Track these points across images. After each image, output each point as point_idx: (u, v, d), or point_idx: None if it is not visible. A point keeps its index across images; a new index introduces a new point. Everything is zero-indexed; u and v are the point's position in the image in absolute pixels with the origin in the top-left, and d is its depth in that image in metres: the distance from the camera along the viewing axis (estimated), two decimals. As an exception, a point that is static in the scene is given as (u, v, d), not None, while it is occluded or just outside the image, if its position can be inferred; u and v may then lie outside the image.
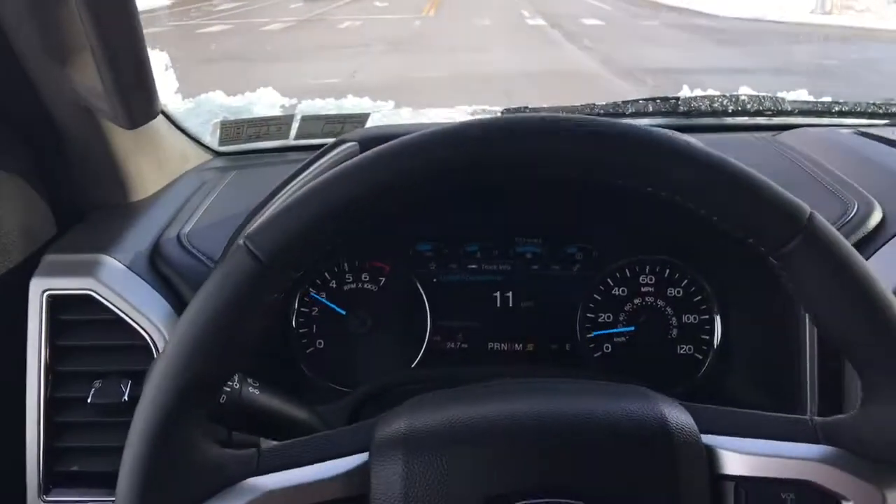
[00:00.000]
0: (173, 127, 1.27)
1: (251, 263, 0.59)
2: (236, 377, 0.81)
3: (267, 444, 0.66)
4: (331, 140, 1.12)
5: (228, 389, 0.79)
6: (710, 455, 0.59)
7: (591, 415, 0.60)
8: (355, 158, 0.61)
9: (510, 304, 1.14)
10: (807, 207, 0.60)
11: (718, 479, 0.59)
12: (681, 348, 1.11)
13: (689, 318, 1.11)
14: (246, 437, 0.92)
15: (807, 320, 0.93)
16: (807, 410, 0.91)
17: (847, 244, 0.60)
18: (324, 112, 1.41)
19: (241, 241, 0.60)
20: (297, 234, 0.59)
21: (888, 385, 0.58)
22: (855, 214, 0.96)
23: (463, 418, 0.61)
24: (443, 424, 0.60)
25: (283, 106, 1.73)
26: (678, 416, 0.60)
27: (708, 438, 0.60)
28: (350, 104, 1.72)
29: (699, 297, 1.11)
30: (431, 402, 0.64)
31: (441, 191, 0.61)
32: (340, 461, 0.60)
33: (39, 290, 0.93)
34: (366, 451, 0.60)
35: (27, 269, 0.95)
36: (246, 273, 0.59)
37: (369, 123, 1.39)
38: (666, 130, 0.63)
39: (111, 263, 0.96)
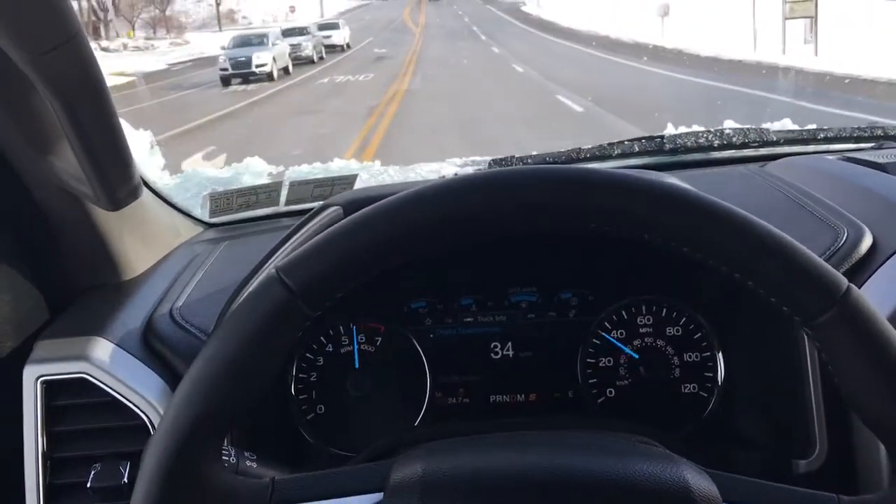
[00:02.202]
0: (162, 202, 1.27)
1: (281, 291, 0.59)
2: (232, 451, 0.80)
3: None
4: (320, 203, 1.12)
5: (225, 465, 0.78)
6: None
7: (611, 474, 0.59)
8: (387, 200, 0.62)
9: (509, 355, 1.13)
10: (844, 280, 0.59)
11: None
12: (685, 387, 1.09)
13: (690, 357, 1.09)
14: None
15: (809, 354, 0.92)
16: (815, 448, 0.90)
17: (884, 321, 0.59)
18: (312, 176, 1.42)
19: (272, 272, 0.60)
20: (328, 266, 0.60)
21: None
22: (845, 242, 0.95)
23: (481, 468, 0.60)
24: (460, 472, 0.60)
25: (270, 174, 1.75)
26: (701, 482, 0.59)
27: None
28: (337, 166, 1.73)
29: (699, 335, 1.09)
30: (450, 448, 0.64)
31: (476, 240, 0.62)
32: (354, 499, 0.60)
33: (34, 376, 0.93)
34: (380, 490, 0.60)
35: (20, 356, 0.95)
36: (275, 300, 0.59)
37: (357, 184, 1.40)
38: (702, 194, 0.62)
39: (103, 345, 0.95)
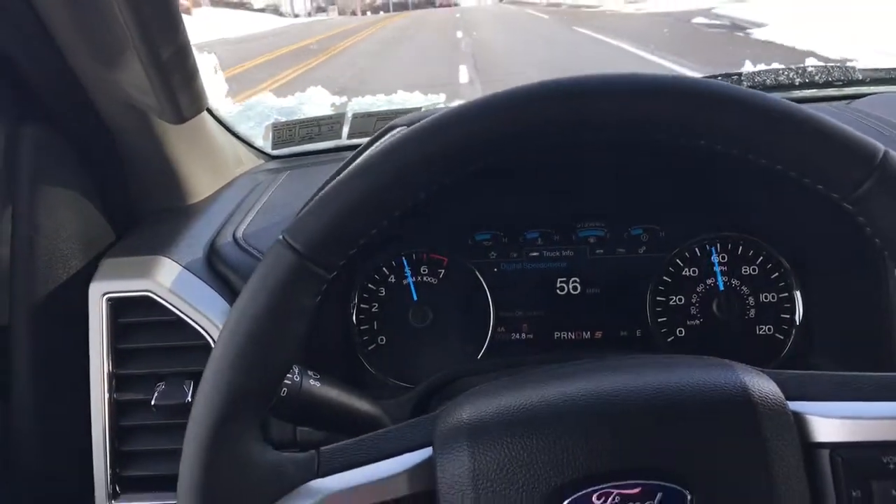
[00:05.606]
0: (226, 131, 1.26)
1: (290, 256, 0.57)
2: (296, 369, 0.79)
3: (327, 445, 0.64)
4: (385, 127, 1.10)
5: (289, 382, 0.77)
6: (800, 423, 0.55)
7: (662, 388, 0.56)
8: (384, 143, 0.59)
9: (575, 291, 1.09)
10: (879, 146, 0.55)
11: (811, 447, 0.55)
12: (760, 328, 1.05)
13: (767, 297, 1.05)
14: (308, 437, 0.90)
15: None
16: None
17: None
18: (374, 108, 1.39)
19: (279, 236, 0.58)
20: (333, 223, 0.58)
21: None
22: None
23: (526, 403, 0.57)
24: (507, 411, 0.57)
25: (333, 104, 1.73)
26: (760, 383, 0.56)
27: (795, 405, 0.56)
28: (400, 99, 1.70)
29: (776, 274, 1.04)
30: (492, 389, 0.61)
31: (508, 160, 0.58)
32: (403, 457, 0.58)
33: (99, 293, 0.93)
34: (429, 445, 0.58)
35: (87, 274, 0.95)
36: (285, 266, 0.57)
37: (421, 117, 1.36)
38: (714, 80, 0.59)
39: (168, 264, 0.95)
